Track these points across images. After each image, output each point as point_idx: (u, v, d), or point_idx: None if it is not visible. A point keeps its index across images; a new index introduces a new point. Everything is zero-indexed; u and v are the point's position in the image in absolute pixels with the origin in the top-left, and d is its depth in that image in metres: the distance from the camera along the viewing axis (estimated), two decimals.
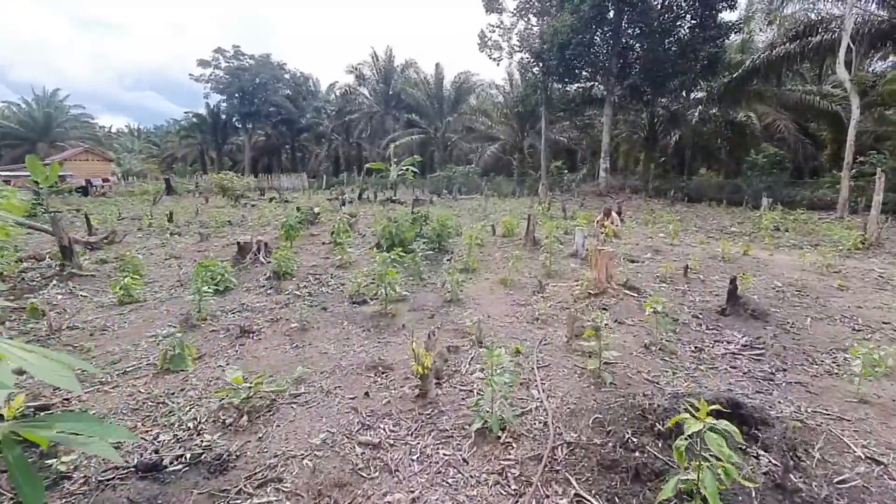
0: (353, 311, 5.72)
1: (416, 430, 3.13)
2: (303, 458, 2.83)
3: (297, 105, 50.46)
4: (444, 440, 3.01)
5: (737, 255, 8.56)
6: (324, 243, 10.39)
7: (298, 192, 35.38)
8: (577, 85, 27.06)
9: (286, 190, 38.60)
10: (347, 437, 3.04)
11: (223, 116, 51.64)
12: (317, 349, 4.58)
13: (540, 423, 3.15)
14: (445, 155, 36.02)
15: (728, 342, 4.65)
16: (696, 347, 4.52)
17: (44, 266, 7.93)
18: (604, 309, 5.34)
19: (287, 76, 52.23)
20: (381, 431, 3.12)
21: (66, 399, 3.61)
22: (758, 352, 4.40)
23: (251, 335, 4.92)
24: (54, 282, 6.96)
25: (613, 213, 11.51)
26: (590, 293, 6.10)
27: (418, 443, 2.98)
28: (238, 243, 8.13)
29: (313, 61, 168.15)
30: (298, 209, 12.94)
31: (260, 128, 54.30)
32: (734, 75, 21.93)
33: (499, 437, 2.95)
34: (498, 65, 27.02)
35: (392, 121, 40.62)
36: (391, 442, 2.99)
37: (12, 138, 42.54)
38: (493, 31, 26.21)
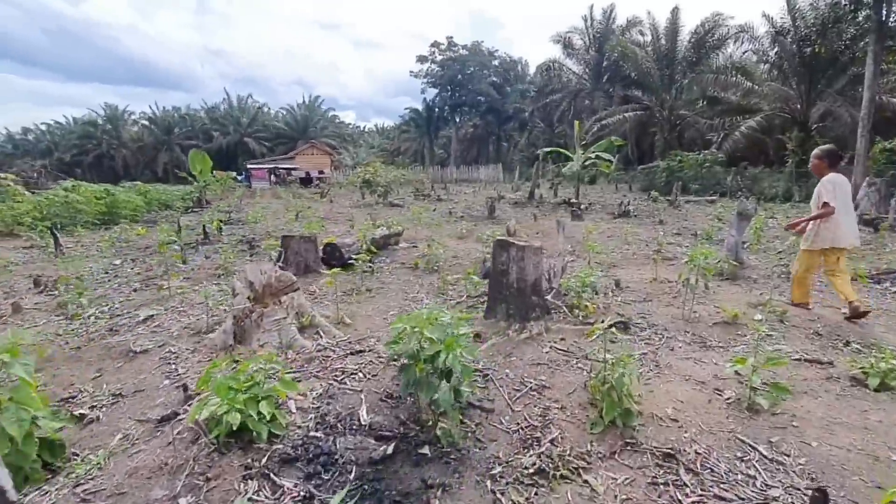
0: None
1: None
2: None
3: (500, 92, 47.43)
4: None
5: None
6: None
7: (492, 184, 32.10)
8: None
9: (481, 182, 36.13)
10: None
11: (436, 110, 52.75)
12: None
13: None
14: (671, 138, 26.39)
15: None
16: None
17: None
18: None
19: (496, 62, 49.64)
20: None
21: None
22: None
23: None
24: None
25: None
26: None
27: None
28: None
29: (532, 45, 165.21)
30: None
31: (468, 119, 53.80)
32: None
33: None
34: None
35: (603, 97, 32.73)
36: None
37: (283, 137, 52.81)
38: None
